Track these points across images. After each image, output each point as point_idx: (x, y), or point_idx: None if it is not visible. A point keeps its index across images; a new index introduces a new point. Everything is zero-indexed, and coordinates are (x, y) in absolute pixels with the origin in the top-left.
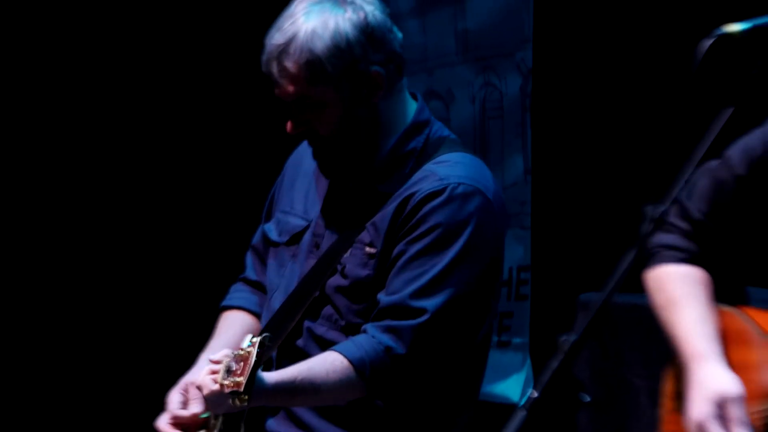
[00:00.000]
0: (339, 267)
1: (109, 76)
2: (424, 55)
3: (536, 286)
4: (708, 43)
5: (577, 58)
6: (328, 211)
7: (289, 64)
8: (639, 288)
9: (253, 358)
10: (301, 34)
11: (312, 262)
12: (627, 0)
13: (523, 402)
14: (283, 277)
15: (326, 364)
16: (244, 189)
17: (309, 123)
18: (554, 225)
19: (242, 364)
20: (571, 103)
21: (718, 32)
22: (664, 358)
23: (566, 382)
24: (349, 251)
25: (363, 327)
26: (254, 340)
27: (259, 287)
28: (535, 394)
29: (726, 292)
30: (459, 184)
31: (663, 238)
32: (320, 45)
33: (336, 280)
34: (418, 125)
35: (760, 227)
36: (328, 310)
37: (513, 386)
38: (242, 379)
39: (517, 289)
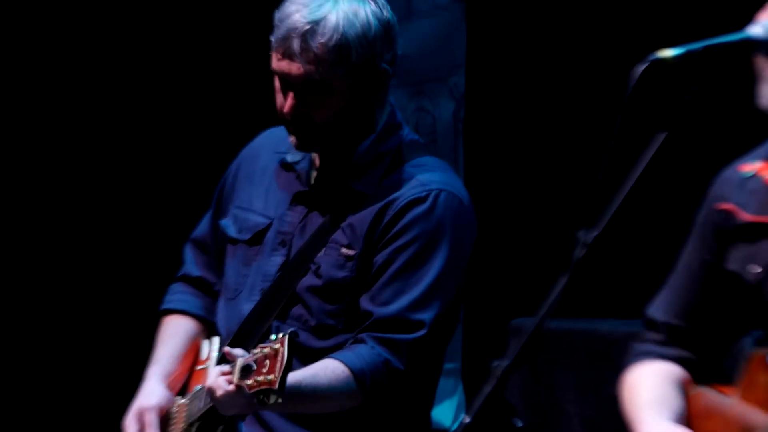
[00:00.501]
0: (312, 267)
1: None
2: None
3: (468, 312)
4: (641, 68)
5: (510, 83)
6: (296, 208)
7: (316, 45)
8: (571, 313)
9: (285, 356)
10: (333, 18)
11: (278, 260)
12: (559, 26)
13: (455, 428)
14: (248, 276)
15: (329, 372)
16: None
17: (308, 106)
18: (486, 250)
19: (269, 362)
20: (504, 128)
21: (651, 57)
22: (596, 384)
23: (498, 407)
24: (323, 251)
25: (360, 336)
26: (280, 336)
27: (202, 285)
28: (468, 420)
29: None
30: (441, 190)
31: (635, 350)
32: (352, 32)
33: (309, 279)
34: (393, 127)
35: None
36: (298, 310)
37: (445, 412)
38: (274, 377)
39: None
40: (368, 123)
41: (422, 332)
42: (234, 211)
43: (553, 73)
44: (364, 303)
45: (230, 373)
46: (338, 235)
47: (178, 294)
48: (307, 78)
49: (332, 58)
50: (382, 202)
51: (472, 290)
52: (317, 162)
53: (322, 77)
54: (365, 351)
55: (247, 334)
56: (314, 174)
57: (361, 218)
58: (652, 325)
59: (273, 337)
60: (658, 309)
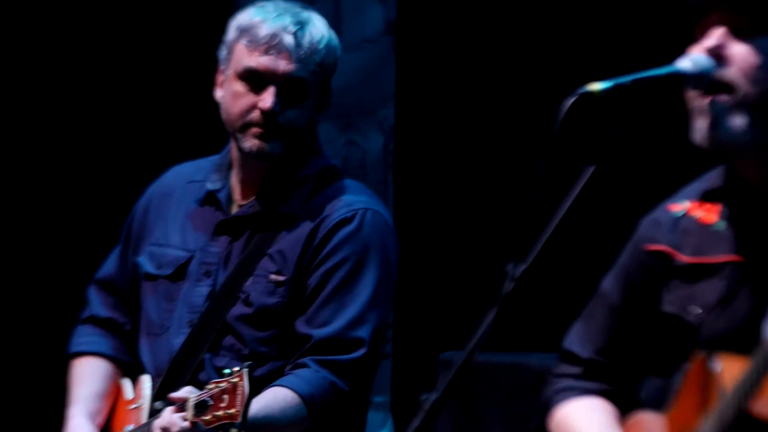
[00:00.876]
0: (242, 296)
1: None
2: None
3: (397, 345)
4: (569, 101)
5: (439, 116)
6: (220, 238)
7: (307, 43)
8: (500, 347)
9: (246, 390)
10: (318, 22)
11: (204, 291)
12: (488, 59)
13: None
14: (174, 311)
15: (279, 400)
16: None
17: (284, 105)
18: (416, 283)
19: (227, 396)
20: (434, 161)
21: (580, 91)
22: (524, 417)
23: None
24: (250, 279)
25: (302, 361)
26: (235, 370)
27: (111, 325)
28: None
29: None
30: (366, 209)
31: (554, 387)
32: (334, 39)
33: (239, 309)
34: (317, 151)
35: (652, 337)
36: (229, 340)
37: None
38: (235, 411)
39: None
40: (312, 141)
41: (363, 350)
42: (149, 249)
43: (482, 106)
44: (301, 327)
45: (183, 410)
46: (266, 263)
47: (87, 336)
48: (292, 74)
49: (317, 59)
50: (311, 225)
51: (401, 323)
52: (236, 192)
53: (306, 76)
54: (310, 375)
55: (179, 369)
56: (234, 203)
57: (291, 242)
58: (572, 358)
59: (228, 371)
60: (576, 343)
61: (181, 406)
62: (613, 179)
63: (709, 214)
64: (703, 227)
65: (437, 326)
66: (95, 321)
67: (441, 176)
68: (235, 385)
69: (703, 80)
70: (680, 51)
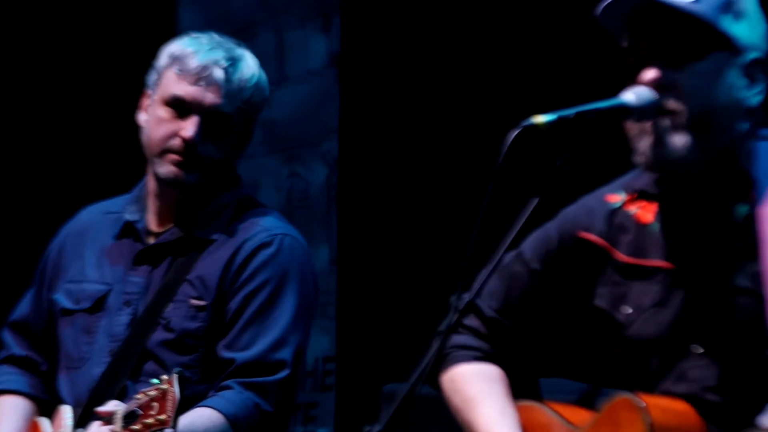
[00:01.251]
0: (162, 322)
1: None
2: None
3: (341, 377)
4: (514, 134)
5: (383, 148)
6: (140, 268)
7: (236, 79)
8: None
9: (177, 395)
10: (250, 60)
11: (124, 320)
12: (432, 92)
13: None
14: (94, 343)
15: (205, 419)
16: None
17: (205, 137)
18: (359, 316)
19: (157, 404)
20: (377, 193)
21: (524, 123)
22: None
23: None
24: (171, 306)
25: (226, 384)
26: (164, 378)
27: (28, 364)
28: None
29: (521, 387)
30: (285, 235)
31: (456, 339)
32: (264, 82)
33: (160, 335)
34: (235, 179)
35: (555, 318)
36: (150, 366)
37: None
38: (166, 416)
39: (322, 379)
40: (232, 173)
41: (286, 372)
42: (66, 286)
43: (425, 139)
44: (223, 351)
45: (110, 423)
46: (186, 288)
47: (5, 375)
48: (217, 108)
49: (245, 95)
50: (230, 249)
51: (345, 355)
52: (153, 222)
53: (231, 111)
54: (234, 396)
55: (100, 397)
56: (152, 233)
57: (210, 267)
58: (476, 312)
59: (155, 381)
60: (486, 300)
61: (108, 419)
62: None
63: (645, 213)
64: (640, 226)
65: (381, 358)
66: (13, 360)
67: (385, 208)
68: (164, 392)
69: (647, 112)
70: (620, 84)
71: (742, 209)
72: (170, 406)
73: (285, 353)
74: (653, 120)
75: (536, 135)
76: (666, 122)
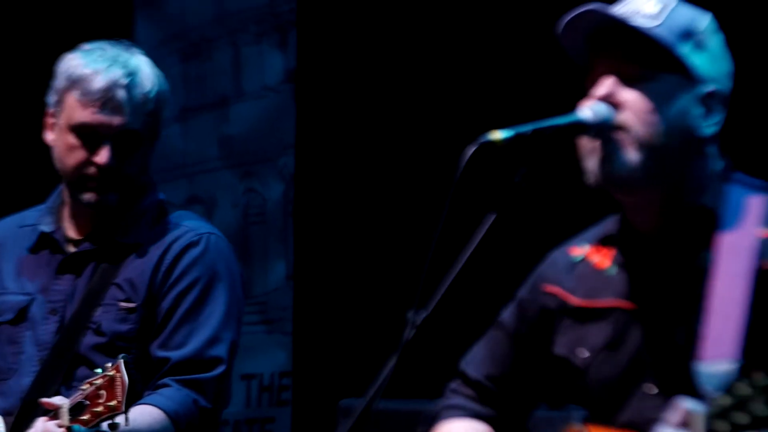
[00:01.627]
0: (92, 326)
1: None
2: (185, 161)
3: (297, 392)
4: (471, 150)
5: (339, 164)
6: (64, 277)
7: (137, 95)
8: (400, 394)
9: (126, 379)
10: (146, 67)
11: (51, 328)
12: (388, 106)
13: None
14: (21, 353)
15: (146, 416)
16: None
17: (120, 157)
18: (315, 331)
19: (104, 392)
20: (334, 209)
21: (481, 140)
22: None
23: None
24: (100, 309)
25: (163, 382)
26: (110, 365)
27: None
28: None
29: None
30: (210, 234)
31: (447, 401)
32: (164, 84)
33: (90, 339)
34: (150, 184)
35: (538, 378)
36: (82, 371)
37: None
38: (117, 402)
39: (278, 394)
40: (147, 178)
41: (222, 368)
42: None
43: (382, 154)
44: (158, 351)
45: (56, 418)
46: (114, 292)
47: None
48: (126, 128)
49: (149, 108)
50: (157, 251)
51: (301, 370)
52: (71, 231)
53: (139, 127)
54: (173, 393)
55: (32, 405)
56: (70, 242)
57: (138, 270)
58: (464, 378)
59: (99, 370)
60: (472, 366)
61: (54, 413)
62: (515, 227)
63: (604, 259)
64: (597, 272)
65: (337, 373)
66: None
67: (341, 223)
68: (112, 378)
69: (603, 128)
70: (576, 99)
71: (705, 252)
72: (119, 391)
73: (219, 350)
74: (604, 137)
75: (494, 151)
76: (617, 137)
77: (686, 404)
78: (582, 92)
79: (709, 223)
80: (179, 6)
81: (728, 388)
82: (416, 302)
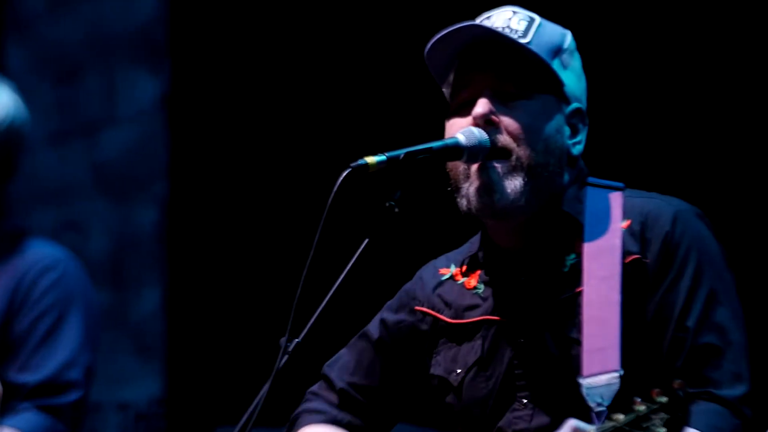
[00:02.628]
0: None
1: None
2: (57, 186)
3: (171, 420)
4: (344, 174)
5: (213, 190)
6: None
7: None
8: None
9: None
10: (4, 95)
11: None
12: (261, 132)
13: None
14: None
15: None
16: None
17: None
18: (189, 358)
19: None
20: (207, 235)
21: (353, 164)
22: None
23: None
24: None
25: (22, 406)
26: None
27: None
28: None
29: None
30: (67, 259)
31: (306, 405)
32: (19, 114)
33: None
34: (7, 210)
35: (402, 389)
36: None
37: None
38: None
39: (152, 422)
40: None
41: (80, 392)
42: None
43: (256, 178)
44: (14, 375)
45: None
46: None
47: None
48: None
49: (1, 139)
50: (14, 276)
51: (175, 397)
52: None
53: None
54: (33, 417)
55: None
56: None
57: None
58: (328, 383)
59: None
60: (336, 371)
61: None
62: (388, 251)
63: (470, 279)
64: (465, 291)
65: (212, 400)
66: None
67: (215, 249)
68: None
69: (478, 151)
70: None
71: (570, 259)
72: None
73: (75, 374)
74: (482, 162)
75: (367, 175)
76: (498, 166)
77: (575, 423)
78: (453, 112)
79: (570, 229)
80: (52, 30)
81: (622, 406)
82: (289, 329)
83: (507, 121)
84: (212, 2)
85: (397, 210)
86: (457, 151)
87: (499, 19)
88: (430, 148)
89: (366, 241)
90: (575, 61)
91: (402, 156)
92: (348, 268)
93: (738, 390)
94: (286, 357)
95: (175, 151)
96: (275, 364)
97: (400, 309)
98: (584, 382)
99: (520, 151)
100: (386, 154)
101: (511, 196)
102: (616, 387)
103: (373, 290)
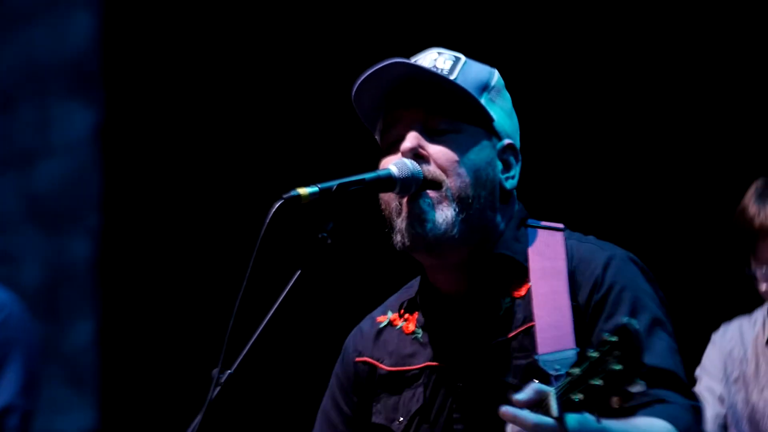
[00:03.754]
0: None
1: None
2: None
3: None
4: (276, 205)
5: (146, 222)
6: None
7: None
8: None
9: None
10: None
11: None
12: (193, 163)
13: None
14: None
15: None
16: None
17: None
18: (123, 389)
19: None
20: (140, 266)
21: (286, 195)
22: None
23: None
24: None
25: None
26: None
27: None
28: None
29: None
30: (12, 302)
31: None
32: None
33: None
34: None
35: None
36: None
37: None
38: None
39: None
40: None
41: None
42: None
43: (190, 210)
44: None
45: None
46: None
47: None
48: None
49: None
50: None
51: (109, 429)
52: None
53: None
54: None
55: None
56: None
57: None
58: None
59: None
60: None
61: None
62: (321, 283)
63: (408, 324)
64: (403, 336)
65: (147, 429)
66: None
67: (147, 280)
68: None
69: (411, 183)
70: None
71: (505, 303)
72: None
73: (13, 420)
74: (413, 193)
75: (300, 206)
76: (431, 196)
77: (536, 385)
78: (385, 149)
79: (510, 271)
80: None
81: (576, 362)
82: (221, 360)
83: (436, 154)
84: (145, 33)
85: (329, 241)
86: (389, 182)
87: (426, 60)
88: (363, 179)
89: (298, 272)
90: (504, 99)
91: (335, 187)
92: (280, 299)
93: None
94: (218, 388)
95: (109, 183)
96: (207, 395)
97: (343, 367)
98: (540, 358)
99: (450, 182)
100: (319, 186)
101: (443, 226)
102: (572, 359)
103: (307, 321)
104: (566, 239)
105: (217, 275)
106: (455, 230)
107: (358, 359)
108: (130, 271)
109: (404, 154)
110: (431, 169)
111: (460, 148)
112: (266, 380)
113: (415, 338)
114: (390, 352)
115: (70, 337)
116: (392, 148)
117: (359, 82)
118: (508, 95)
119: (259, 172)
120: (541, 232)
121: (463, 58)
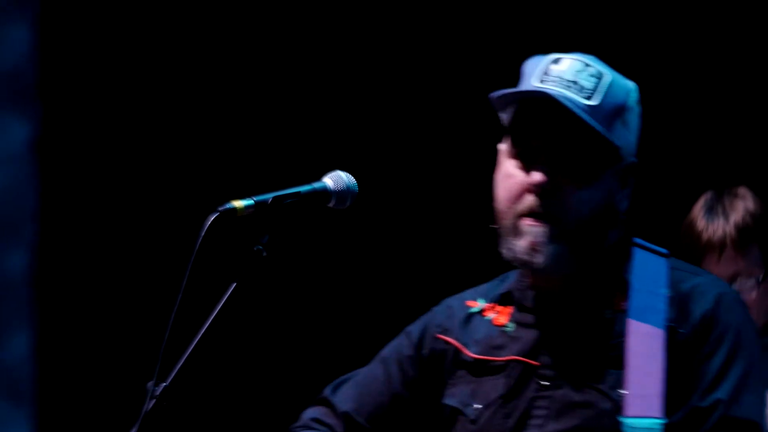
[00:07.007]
0: None
1: None
2: None
3: None
4: (211, 218)
5: (84, 234)
6: None
7: None
8: None
9: None
10: None
11: None
12: (131, 177)
13: None
14: None
15: None
16: None
17: None
18: (60, 403)
19: None
20: (78, 278)
21: (221, 208)
22: None
23: None
24: None
25: None
26: None
27: None
28: None
29: None
30: None
31: (305, 430)
32: None
33: None
34: None
35: (408, 417)
36: None
37: None
38: None
39: None
40: None
41: None
42: None
43: (128, 223)
44: None
45: None
46: None
47: None
48: None
49: None
50: None
51: None
52: None
53: None
54: None
55: None
56: None
57: None
58: (332, 410)
59: None
60: (341, 396)
61: None
62: (258, 297)
63: (500, 316)
64: (493, 328)
65: None
66: None
67: (84, 293)
68: None
69: (346, 196)
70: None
71: (608, 313)
72: None
73: None
74: (536, 222)
75: (235, 219)
76: (548, 229)
77: None
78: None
79: (613, 285)
80: None
81: None
82: (156, 374)
83: (563, 194)
84: (82, 46)
85: (265, 254)
86: (325, 195)
87: (568, 69)
88: (298, 192)
89: (233, 285)
90: (635, 115)
91: (270, 200)
92: (215, 312)
93: None
94: (153, 401)
95: (45, 195)
96: (142, 409)
97: (422, 338)
98: (626, 421)
99: (570, 220)
100: (254, 198)
101: (555, 260)
102: (657, 431)
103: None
104: (671, 267)
105: (154, 288)
106: (566, 264)
107: (440, 335)
108: (67, 283)
109: (528, 185)
110: (552, 205)
111: (590, 191)
112: (205, 394)
113: (505, 331)
114: (477, 340)
115: (7, 350)
116: (518, 152)
117: (493, 94)
118: (639, 108)
119: (197, 184)
120: (646, 254)
121: (607, 75)
